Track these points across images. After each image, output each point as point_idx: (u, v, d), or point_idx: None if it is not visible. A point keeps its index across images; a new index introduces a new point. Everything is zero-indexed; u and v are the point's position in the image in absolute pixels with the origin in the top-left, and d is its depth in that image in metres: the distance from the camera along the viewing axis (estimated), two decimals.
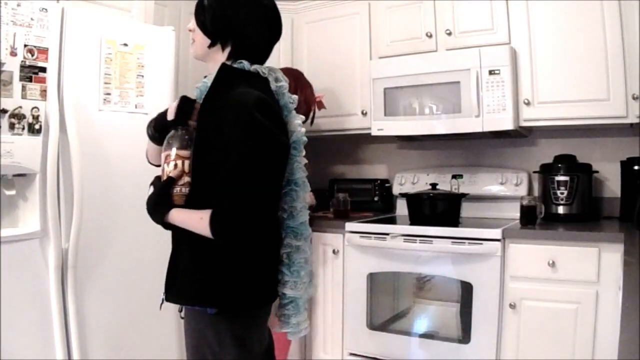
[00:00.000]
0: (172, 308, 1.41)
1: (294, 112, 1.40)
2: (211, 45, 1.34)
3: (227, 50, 1.34)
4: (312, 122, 2.72)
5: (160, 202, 1.30)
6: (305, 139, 1.41)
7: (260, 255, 1.34)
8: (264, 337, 1.42)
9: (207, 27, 1.33)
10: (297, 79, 2.60)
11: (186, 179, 1.30)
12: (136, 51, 2.15)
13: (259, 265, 1.33)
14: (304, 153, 1.42)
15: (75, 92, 1.96)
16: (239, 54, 1.34)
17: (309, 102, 2.61)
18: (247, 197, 1.19)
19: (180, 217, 1.28)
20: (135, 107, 2.17)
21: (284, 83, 1.37)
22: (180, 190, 1.30)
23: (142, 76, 2.18)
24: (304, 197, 1.41)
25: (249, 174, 1.20)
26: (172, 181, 1.29)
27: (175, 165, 1.30)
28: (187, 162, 1.30)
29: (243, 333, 1.31)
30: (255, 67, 1.33)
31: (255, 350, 1.36)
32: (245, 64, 1.33)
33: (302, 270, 1.39)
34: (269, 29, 1.37)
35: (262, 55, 1.38)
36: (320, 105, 2.76)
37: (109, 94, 2.08)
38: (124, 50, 2.12)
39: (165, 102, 2.17)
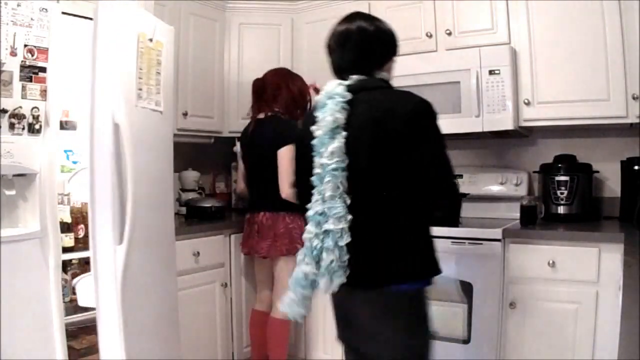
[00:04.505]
0: None
1: None
2: None
3: None
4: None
5: None
6: None
7: None
8: None
9: None
10: (284, 76, 2.58)
11: None
12: (157, 48, 2.08)
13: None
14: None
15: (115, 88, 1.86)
16: None
17: (303, 92, 2.59)
18: None
19: None
20: (155, 104, 2.09)
21: None
22: None
23: (159, 73, 2.11)
24: None
25: None
26: None
27: None
28: None
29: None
30: None
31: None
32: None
33: None
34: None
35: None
36: (317, 91, 2.74)
37: (140, 89, 1.98)
38: (150, 46, 2.03)
39: (170, 104, 2.16)
